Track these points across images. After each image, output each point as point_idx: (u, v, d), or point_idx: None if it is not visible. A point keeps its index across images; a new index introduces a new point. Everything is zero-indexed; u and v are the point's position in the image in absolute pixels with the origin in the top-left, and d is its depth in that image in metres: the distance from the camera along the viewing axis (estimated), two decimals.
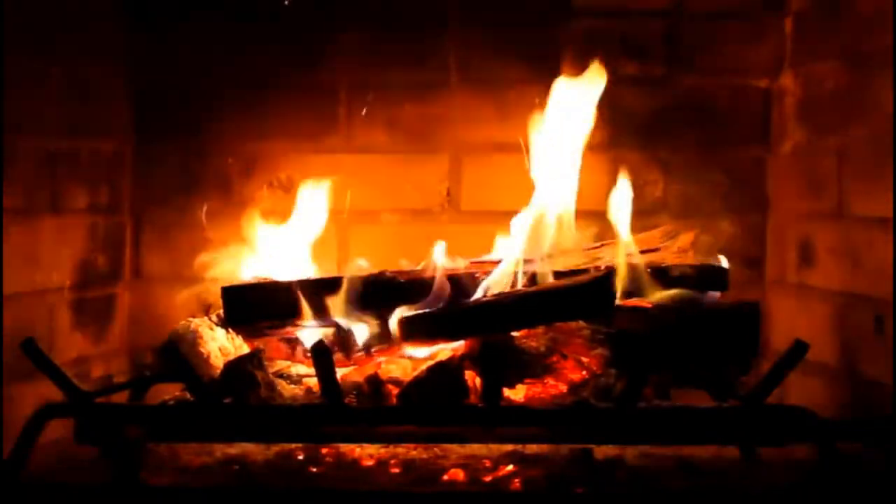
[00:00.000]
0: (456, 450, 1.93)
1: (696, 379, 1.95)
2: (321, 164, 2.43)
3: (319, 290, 2.00)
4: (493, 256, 2.15)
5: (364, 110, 2.43)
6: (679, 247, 2.14)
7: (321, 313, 1.99)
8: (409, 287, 1.99)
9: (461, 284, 1.99)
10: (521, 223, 2.14)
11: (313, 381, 1.89)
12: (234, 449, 1.95)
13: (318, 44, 2.43)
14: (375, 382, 1.89)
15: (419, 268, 2.08)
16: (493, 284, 2.02)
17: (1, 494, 1.73)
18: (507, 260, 2.05)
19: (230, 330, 2.03)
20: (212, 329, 2.01)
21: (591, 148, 2.35)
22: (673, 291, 2.00)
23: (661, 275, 2.03)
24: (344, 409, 1.79)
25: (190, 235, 2.39)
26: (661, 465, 1.88)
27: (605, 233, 2.21)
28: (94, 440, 1.80)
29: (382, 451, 1.92)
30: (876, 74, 1.99)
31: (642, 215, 2.27)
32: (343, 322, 1.99)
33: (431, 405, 1.82)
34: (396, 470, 1.85)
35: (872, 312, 1.98)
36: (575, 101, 2.19)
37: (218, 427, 1.85)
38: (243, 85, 2.43)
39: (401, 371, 1.96)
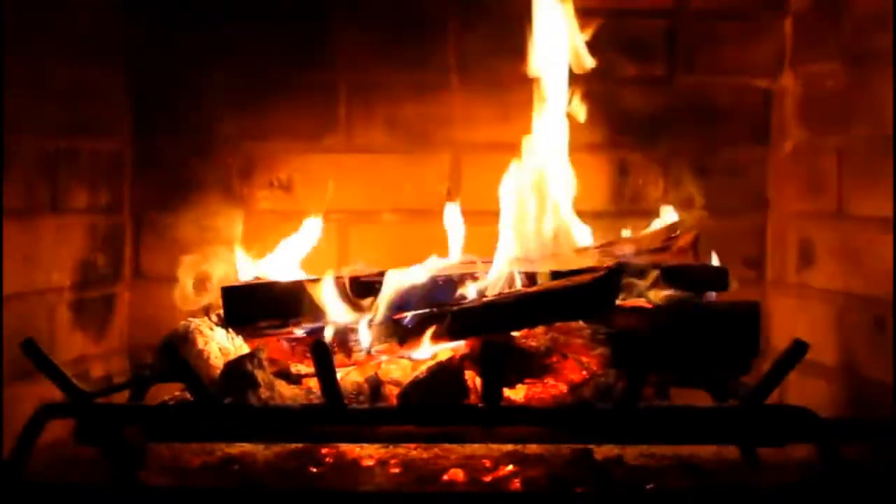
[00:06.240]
0: (456, 450, 1.93)
1: (695, 379, 1.95)
2: (321, 164, 2.44)
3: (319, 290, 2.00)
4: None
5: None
6: (679, 247, 2.14)
7: (320, 313, 2.00)
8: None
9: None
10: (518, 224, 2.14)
11: (313, 382, 1.89)
12: (234, 449, 1.95)
13: (317, 43, 2.43)
14: (375, 383, 1.89)
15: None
16: (491, 286, 2.02)
17: (1, 494, 1.73)
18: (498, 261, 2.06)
19: (230, 330, 2.03)
20: (211, 329, 2.02)
21: (592, 148, 2.35)
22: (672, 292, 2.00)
23: (662, 275, 2.03)
24: (344, 409, 1.79)
25: (190, 235, 2.39)
26: (661, 465, 1.88)
27: (605, 233, 2.21)
28: (94, 440, 1.80)
29: (382, 451, 1.92)
30: (876, 74, 1.99)
31: (643, 215, 2.27)
32: (344, 322, 1.99)
33: (431, 405, 1.82)
34: (396, 470, 1.85)
35: (872, 312, 1.98)
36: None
37: (218, 427, 1.85)
38: (243, 85, 2.42)
39: (401, 371, 1.96)
